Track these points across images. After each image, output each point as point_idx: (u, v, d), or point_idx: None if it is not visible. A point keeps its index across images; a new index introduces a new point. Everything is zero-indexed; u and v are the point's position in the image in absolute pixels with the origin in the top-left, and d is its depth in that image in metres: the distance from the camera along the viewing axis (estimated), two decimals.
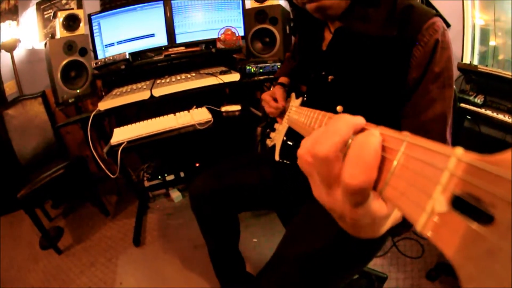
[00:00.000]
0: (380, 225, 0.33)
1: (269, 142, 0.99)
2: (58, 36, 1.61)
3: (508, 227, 0.13)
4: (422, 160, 0.20)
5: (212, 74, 1.46)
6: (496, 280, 0.14)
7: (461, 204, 0.17)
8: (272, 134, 0.97)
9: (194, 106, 1.42)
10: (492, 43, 1.67)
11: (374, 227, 0.32)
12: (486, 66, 1.54)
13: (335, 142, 0.26)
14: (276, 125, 0.97)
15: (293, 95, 0.90)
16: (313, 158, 0.27)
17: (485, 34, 1.68)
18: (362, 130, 0.27)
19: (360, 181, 0.24)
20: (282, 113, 0.93)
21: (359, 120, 0.27)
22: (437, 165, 0.18)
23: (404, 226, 0.51)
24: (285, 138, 0.83)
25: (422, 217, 0.19)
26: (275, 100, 0.91)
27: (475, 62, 1.68)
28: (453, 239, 0.16)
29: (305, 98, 0.81)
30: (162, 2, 1.62)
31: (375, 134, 0.25)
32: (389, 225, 0.38)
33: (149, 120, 1.38)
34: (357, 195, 0.25)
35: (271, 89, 0.96)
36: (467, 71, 1.58)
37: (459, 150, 0.17)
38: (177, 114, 1.39)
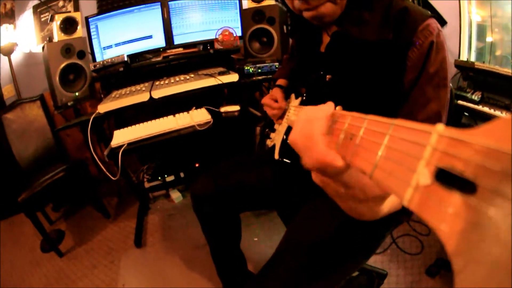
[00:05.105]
0: (376, 204, 0.41)
1: (269, 142, 0.99)
2: (55, 39, 1.61)
3: (491, 191, 0.14)
4: (407, 139, 0.21)
5: (211, 75, 1.47)
6: (484, 252, 0.14)
7: (448, 178, 0.17)
8: (272, 135, 0.98)
9: (194, 107, 1.42)
10: (489, 39, 1.67)
11: (367, 200, 0.39)
12: (484, 62, 1.55)
13: (297, 133, 0.37)
14: (276, 126, 0.98)
15: (292, 96, 0.91)
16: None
17: (482, 30, 1.68)
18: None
19: (312, 165, 0.33)
20: (282, 114, 0.94)
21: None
22: (420, 142, 0.19)
23: (404, 212, 0.52)
24: (285, 137, 0.84)
25: (407, 192, 0.19)
26: (276, 101, 0.92)
27: (472, 58, 1.68)
28: (439, 211, 0.17)
29: (304, 98, 0.82)
30: (159, 3, 1.62)
31: (313, 120, 0.34)
32: (387, 206, 0.44)
33: (149, 122, 1.39)
34: (322, 171, 0.34)
35: (270, 92, 0.97)
36: (464, 68, 1.59)
37: (440, 127, 0.18)
38: (177, 115, 1.40)
